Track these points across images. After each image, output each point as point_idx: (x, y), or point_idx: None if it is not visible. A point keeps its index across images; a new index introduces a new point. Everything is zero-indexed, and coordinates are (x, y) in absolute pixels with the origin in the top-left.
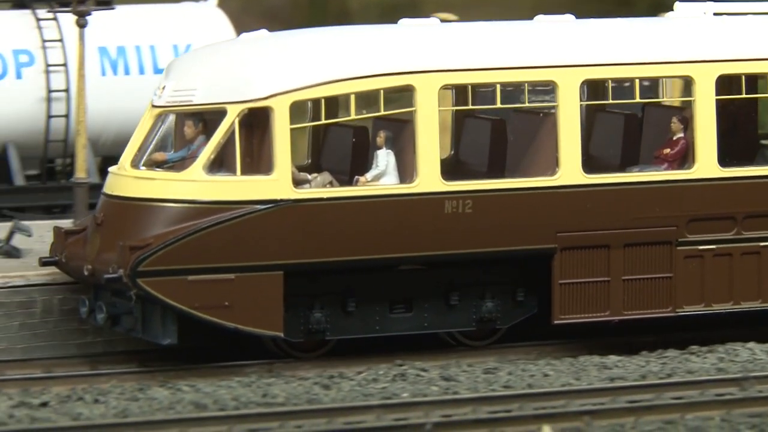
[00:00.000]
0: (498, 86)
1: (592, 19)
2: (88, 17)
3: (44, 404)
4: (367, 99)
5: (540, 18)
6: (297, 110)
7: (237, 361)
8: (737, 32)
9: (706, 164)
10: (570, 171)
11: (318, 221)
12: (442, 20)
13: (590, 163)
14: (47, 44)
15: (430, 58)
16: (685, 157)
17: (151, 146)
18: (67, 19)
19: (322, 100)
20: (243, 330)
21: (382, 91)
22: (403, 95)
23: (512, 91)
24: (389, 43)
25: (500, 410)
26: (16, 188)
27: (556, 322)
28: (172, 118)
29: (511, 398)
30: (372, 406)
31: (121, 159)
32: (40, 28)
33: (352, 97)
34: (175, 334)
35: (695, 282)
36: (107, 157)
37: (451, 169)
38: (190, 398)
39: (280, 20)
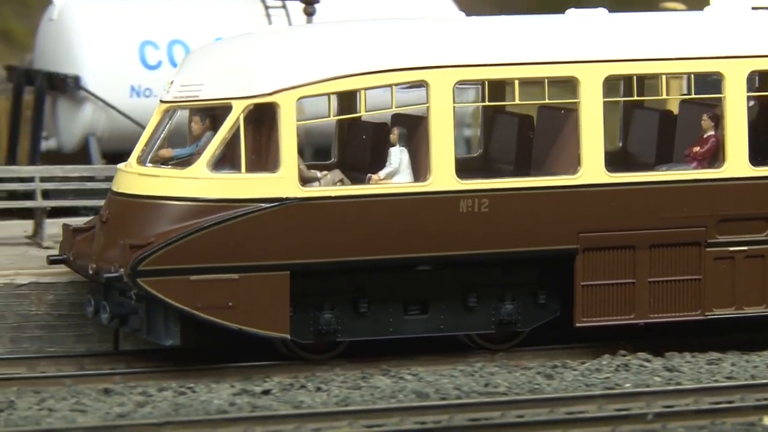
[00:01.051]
0: (516, 82)
1: (619, 14)
2: (316, 5)
3: (266, 392)
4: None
5: (571, 12)
6: None
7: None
8: None
9: (737, 163)
10: (592, 169)
11: (325, 220)
12: (669, 9)
13: (622, 161)
14: None
15: (444, 52)
16: (715, 155)
17: (158, 142)
18: (296, 6)
19: (330, 96)
20: (247, 331)
21: (393, 87)
22: None
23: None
24: (401, 37)
25: (722, 401)
26: None
27: (578, 325)
28: (180, 113)
29: (733, 389)
30: (593, 396)
31: (131, 156)
32: (268, 15)
33: (363, 93)
34: (177, 335)
35: (726, 284)
36: (319, 148)
37: (481, 166)
38: (412, 387)
39: (513, 8)
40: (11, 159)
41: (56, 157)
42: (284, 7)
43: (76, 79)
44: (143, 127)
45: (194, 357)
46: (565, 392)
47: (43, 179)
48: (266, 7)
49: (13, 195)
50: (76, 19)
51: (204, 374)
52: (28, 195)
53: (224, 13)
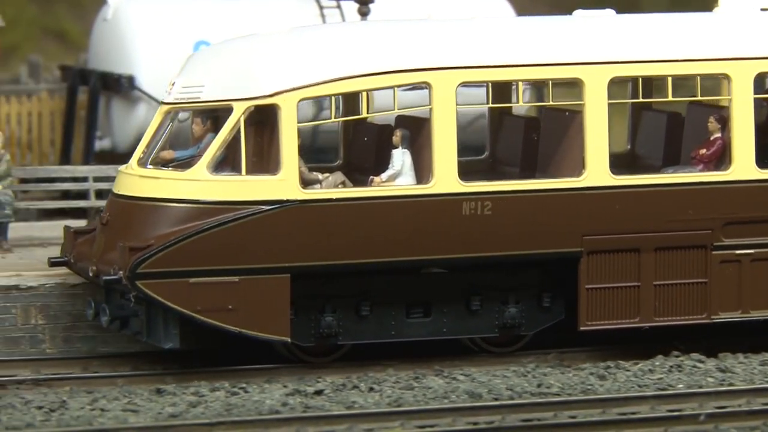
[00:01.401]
0: (520, 83)
1: (626, 15)
2: (370, 5)
3: (319, 392)
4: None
5: (577, 13)
6: None
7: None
8: None
9: (743, 165)
10: (597, 172)
11: (326, 222)
12: None
13: (630, 163)
14: None
15: (447, 54)
16: (722, 158)
17: (159, 144)
18: (350, 6)
19: (332, 98)
20: (248, 334)
21: (395, 89)
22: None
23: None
24: (404, 38)
25: None
26: None
27: (582, 328)
28: (182, 115)
29: None
30: (646, 396)
31: (132, 158)
32: (323, 16)
33: (365, 94)
34: (177, 338)
35: (732, 288)
36: None
37: (486, 168)
38: (464, 387)
39: (567, 8)
40: (65, 159)
41: (110, 156)
42: (339, 7)
43: (131, 79)
44: None
45: (247, 357)
46: (618, 393)
47: (97, 179)
48: (321, 7)
49: (66, 194)
50: (130, 18)
51: (256, 374)
52: (82, 195)
53: (278, 13)
